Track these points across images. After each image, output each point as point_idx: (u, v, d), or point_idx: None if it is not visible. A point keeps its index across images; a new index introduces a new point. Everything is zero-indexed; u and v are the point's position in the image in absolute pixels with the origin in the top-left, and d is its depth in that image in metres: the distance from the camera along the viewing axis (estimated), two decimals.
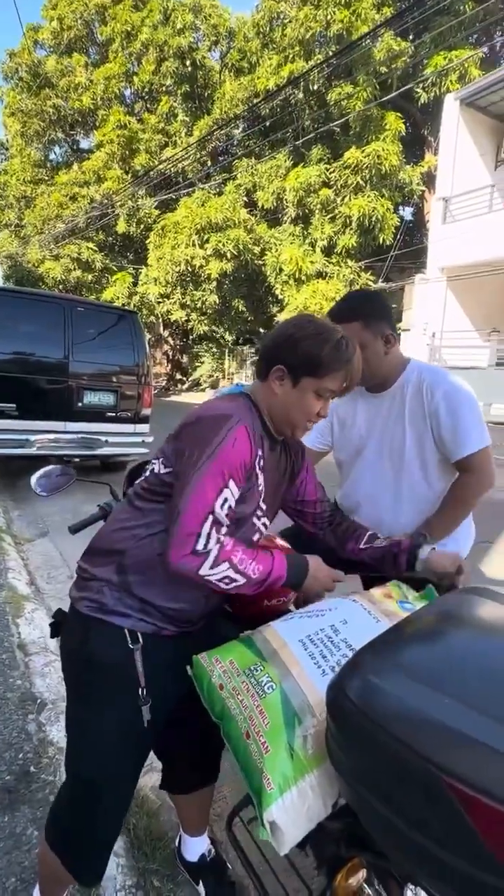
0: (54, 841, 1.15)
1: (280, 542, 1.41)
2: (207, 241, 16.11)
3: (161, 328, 23.24)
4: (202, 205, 17.02)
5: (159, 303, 18.79)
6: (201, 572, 0.98)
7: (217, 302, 17.55)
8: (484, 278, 12.61)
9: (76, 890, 1.35)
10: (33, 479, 1.60)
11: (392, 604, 1.11)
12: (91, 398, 5.65)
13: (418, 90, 14.35)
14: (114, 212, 19.23)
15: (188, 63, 18.60)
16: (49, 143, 22.55)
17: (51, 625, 1.21)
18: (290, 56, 15.50)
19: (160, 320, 21.20)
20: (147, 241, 18.70)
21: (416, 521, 1.62)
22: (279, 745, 0.83)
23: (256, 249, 16.75)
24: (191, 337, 22.20)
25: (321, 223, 15.69)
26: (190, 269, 16.66)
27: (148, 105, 21.44)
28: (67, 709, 1.16)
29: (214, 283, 16.82)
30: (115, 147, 19.34)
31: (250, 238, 16.39)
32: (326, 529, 1.39)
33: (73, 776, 1.14)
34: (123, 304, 17.35)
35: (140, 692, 1.06)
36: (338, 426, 1.76)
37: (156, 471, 1.12)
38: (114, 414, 5.82)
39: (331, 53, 14.10)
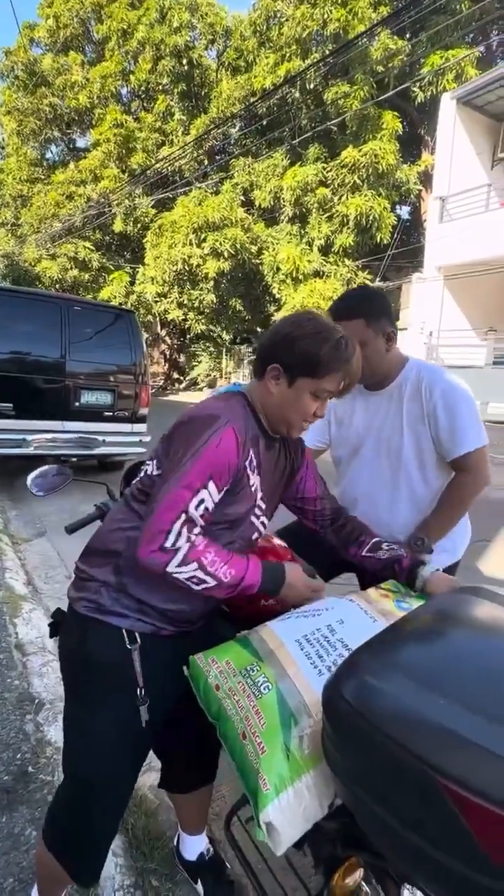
0: (52, 841, 1.15)
1: (277, 541, 1.40)
2: (204, 240, 16.10)
3: (158, 327, 23.20)
4: (199, 204, 17.00)
5: (156, 302, 18.76)
6: (168, 569, 0.98)
7: (214, 301, 17.53)
8: (481, 277, 12.63)
9: (74, 890, 1.35)
10: (29, 479, 1.60)
11: (389, 603, 1.11)
12: (88, 398, 5.63)
13: (415, 89, 14.35)
14: (110, 211, 19.20)
15: (185, 62, 18.58)
16: (45, 142, 22.50)
17: (49, 625, 1.21)
18: (287, 55, 15.49)
19: (157, 319, 21.17)
20: (144, 241, 18.67)
21: (414, 519, 1.62)
22: (275, 745, 0.83)
23: (254, 248, 16.74)
24: (188, 336, 22.19)
25: (318, 222, 15.69)
26: (187, 269, 16.64)
27: (144, 104, 21.40)
28: (65, 709, 1.16)
29: (212, 283, 16.81)
30: (112, 146, 19.29)
31: (247, 237, 16.38)
32: (328, 528, 1.37)
33: (71, 776, 1.14)
34: (120, 304, 17.32)
35: (138, 692, 1.06)
36: (335, 424, 1.76)
37: (149, 472, 1.11)
38: (111, 413, 5.80)
39: (327, 52, 14.09)
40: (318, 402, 1.12)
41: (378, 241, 15.19)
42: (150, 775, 1.69)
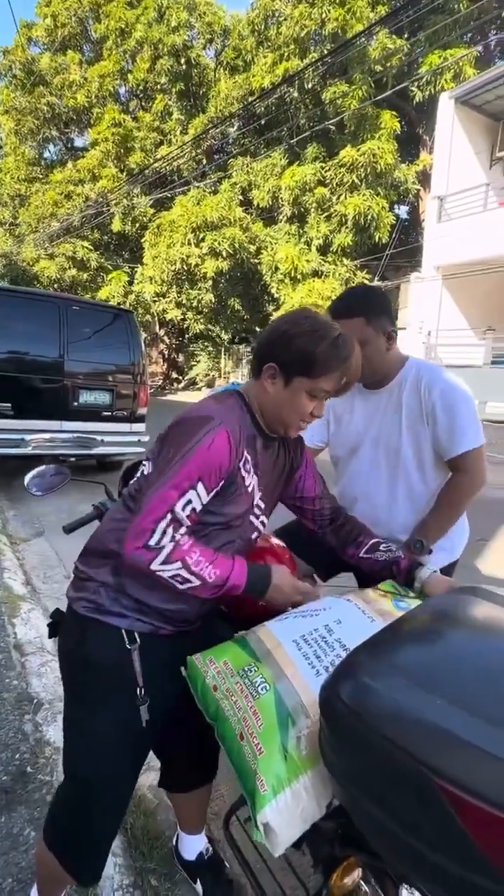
0: (52, 841, 1.15)
1: (275, 541, 1.40)
2: (203, 239, 16.08)
3: (157, 327, 23.19)
4: (198, 203, 16.98)
5: (155, 302, 18.74)
6: (152, 567, 0.99)
7: (213, 301, 17.52)
8: (479, 277, 12.64)
9: (73, 890, 1.35)
10: (27, 478, 1.60)
11: (387, 602, 1.11)
12: (87, 397, 5.63)
13: (413, 89, 14.35)
14: (109, 210, 19.17)
15: (183, 61, 18.55)
16: (43, 141, 22.44)
17: (49, 625, 1.21)
18: (285, 54, 15.47)
19: (156, 319, 21.16)
20: (142, 240, 18.65)
21: (413, 518, 1.62)
22: (273, 746, 0.82)
23: (252, 248, 16.73)
24: (187, 336, 22.18)
25: (317, 222, 15.68)
26: (185, 268, 16.63)
27: (143, 103, 21.37)
28: (65, 709, 1.16)
29: (210, 282, 16.79)
30: (110, 145, 19.26)
31: (246, 237, 16.36)
32: (327, 528, 1.36)
33: (70, 776, 1.14)
34: (119, 303, 17.29)
35: (138, 692, 1.06)
36: (334, 423, 1.76)
37: (146, 472, 1.11)
38: (109, 413, 5.80)
39: (326, 51, 14.09)
40: (316, 402, 1.11)
41: (376, 240, 15.20)
42: (148, 775, 1.69)
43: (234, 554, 1.16)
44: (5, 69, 20.92)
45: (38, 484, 1.62)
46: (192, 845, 1.42)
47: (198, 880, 1.40)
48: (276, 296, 16.84)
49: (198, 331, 19.56)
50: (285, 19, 15.36)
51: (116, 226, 19.35)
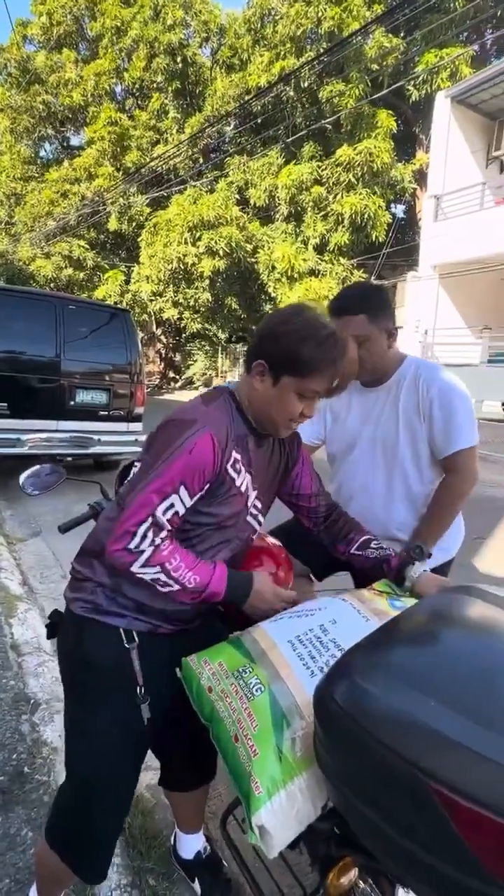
0: (54, 840, 1.15)
1: (271, 540, 1.40)
2: (200, 238, 16.04)
3: (154, 326, 23.13)
4: (194, 202, 16.94)
5: (152, 301, 18.69)
6: (133, 569, 1.00)
7: (210, 300, 17.49)
8: (476, 276, 12.65)
9: (72, 890, 1.35)
10: (22, 478, 1.60)
11: (382, 602, 1.11)
12: (83, 397, 5.62)
13: (409, 88, 14.33)
14: (105, 209, 19.11)
15: (179, 60, 18.47)
16: (39, 140, 22.35)
17: (47, 626, 1.21)
18: (282, 53, 15.43)
19: (153, 318, 21.10)
20: (139, 239, 18.58)
21: (409, 515, 1.63)
22: (267, 748, 0.82)
23: (249, 247, 16.69)
24: (183, 335, 22.12)
25: (313, 221, 15.67)
26: (182, 267, 16.58)
27: (139, 102, 21.30)
28: (65, 709, 1.17)
29: (207, 281, 16.75)
30: (106, 144, 19.19)
31: (243, 236, 16.32)
32: (321, 526, 1.36)
33: (71, 776, 1.15)
34: (115, 303, 17.26)
35: (138, 690, 1.07)
36: (331, 420, 1.76)
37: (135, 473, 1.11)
38: (106, 413, 5.79)
39: (322, 50, 14.07)
40: (306, 402, 1.08)
41: (373, 239, 15.18)
42: (146, 774, 1.69)
43: (231, 552, 1.16)
44: (0, 67, 20.82)
45: (34, 483, 1.62)
46: (190, 844, 1.43)
47: (195, 879, 1.41)
48: (272, 295, 16.81)
49: (195, 330, 19.53)
50: (281, 18, 15.32)
51: (113, 225, 19.28)
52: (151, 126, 19.95)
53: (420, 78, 14.00)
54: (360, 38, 13.41)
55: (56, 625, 1.18)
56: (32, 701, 2.11)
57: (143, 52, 18.94)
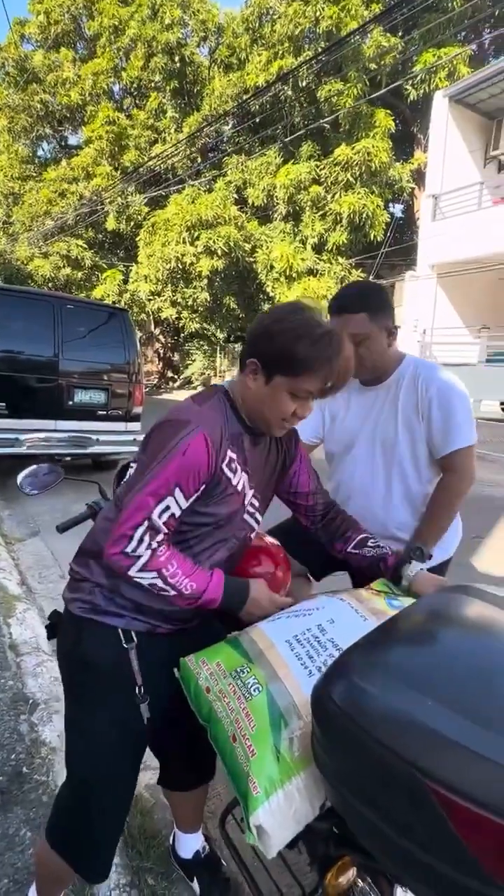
0: (55, 840, 1.15)
1: (269, 539, 1.40)
2: (198, 238, 16.02)
3: (152, 326, 23.11)
4: (192, 202, 16.92)
5: (150, 300, 18.67)
6: (130, 573, 1.00)
7: (208, 299, 17.47)
8: (473, 275, 12.66)
9: (69, 889, 1.35)
10: (20, 477, 1.60)
11: (380, 601, 1.11)
12: (82, 396, 5.62)
13: (408, 87, 14.32)
14: (103, 209, 19.08)
15: (177, 59, 18.44)
16: (37, 139, 22.31)
17: (47, 627, 1.22)
18: (280, 52, 15.41)
19: (151, 318, 21.08)
20: (137, 239, 18.56)
21: (409, 514, 1.63)
22: (265, 748, 0.82)
23: (247, 247, 16.68)
24: (182, 335, 22.09)
25: (312, 220, 15.67)
26: (180, 267, 16.56)
27: (137, 101, 21.27)
28: (65, 709, 1.17)
29: (205, 281, 16.74)
30: (104, 143, 19.16)
31: (241, 235, 16.31)
32: (319, 524, 1.35)
33: (70, 776, 1.15)
34: (114, 302, 17.23)
35: (137, 690, 1.07)
36: (329, 419, 1.76)
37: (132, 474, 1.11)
38: (105, 412, 5.79)
39: (320, 50, 14.06)
40: (299, 402, 1.06)
41: (371, 238, 15.19)
42: (145, 774, 1.69)
43: (229, 552, 1.16)
44: None
45: (32, 483, 1.62)
46: (189, 844, 1.43)
47: (194, 879, 1.41)
48: (271, 294, 16.81)
49: (193, 329, 19.51)
50: (279, 17, 15.31)
51: (111, 224, 19.26)
52: (149, 125, 19.92)
53: (418, 77, 14.02)
54: (358, 37, 13.41)
55: (55, 626, 1.19)
56: (31, 701, 2.11)
57: (140, 51, 18.90)
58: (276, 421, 1.09)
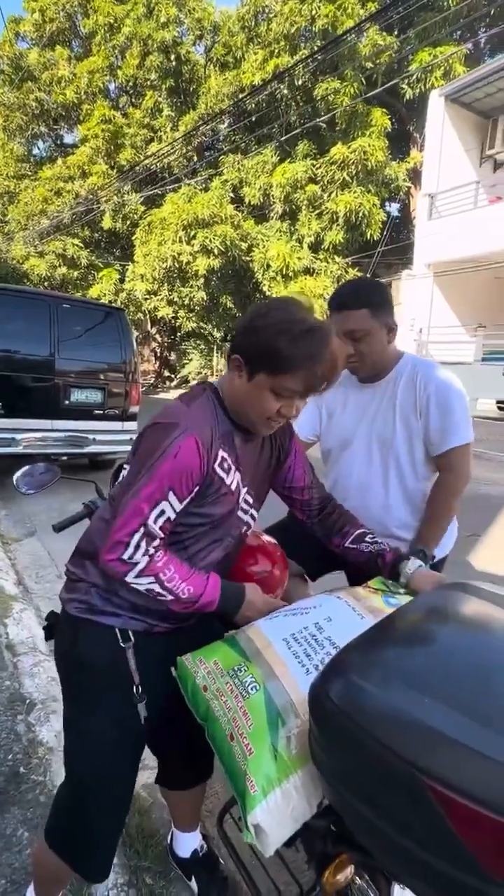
0: (53, 841, 1.15)
1: (266, 538, 1.40)
2: (194, 237, 16.01)
3: (148, 325, 23.08)
4: (188, 201, 16.89)
5: (146, 299, 18.64)
6: (127, 579, 1.00)
7: (204, 298, 17.45)
8: (470, 274, 12.69)
9: (67, 889, 1.35)
10: (16, 476, 1.59)
11: (377, 599, 1.11)
12: (78, 396, 5.60)
13: (404, 86, 14.33)
14: (99, 207, 19.03)
15: (172, 57, 18.39)
16: (32, 138, 22.21)
17: (44, 627, 1.21)
18: (276, 51, 15.39)
19: (147, 317, 21.05)
20: (133, 238, 18.52)
21: (406, 512, 1.63)
22: (262, 746, 0.82)
23: (244, 245, 16.67)
24: (178, 334, 22.07)
25: (308, 219, 15.67)
26: (177, 266, 16.54)
27: (133, 99, 21.20)
28: (63, 710, 1.17)
29: (202, 280, 16.72)
30: (100, 142, 19.09)
31: (237, 234, 16.29)
32: (315, 519, 1.34)
33: (69, 776, 1.15)
34: (110, 301, 17.20)
35: (134, 689, 1.07)
36: (326, 416, 1.75)
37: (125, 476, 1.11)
38: (101, 412, 5.77)
39: (316, 48, 14.05)
40: (283, 401, 1.02)
41: (368, 237, 15.20)
42: (143, 773, 1.68)
43: (225, 551, 1.16)
44: None
45: (28, 482, 1.61)
46: (187, 843, 1.43)
47: (192, 878, 1.41)
48: (267, 293, 16.80)
49: (190, 329, 19.48)
50: (275, 16, 15.29)
51: (107, 223, 19.21)
52: (145, 124, 19.87)
53: (414, 76, 14.02)
54: (354, 36, 13.41)
55: (53, 626, 1.18)
56: (28, 701, 2.10)
57: (136, 49, 18.84)
58: (261, 419, 1.06)
